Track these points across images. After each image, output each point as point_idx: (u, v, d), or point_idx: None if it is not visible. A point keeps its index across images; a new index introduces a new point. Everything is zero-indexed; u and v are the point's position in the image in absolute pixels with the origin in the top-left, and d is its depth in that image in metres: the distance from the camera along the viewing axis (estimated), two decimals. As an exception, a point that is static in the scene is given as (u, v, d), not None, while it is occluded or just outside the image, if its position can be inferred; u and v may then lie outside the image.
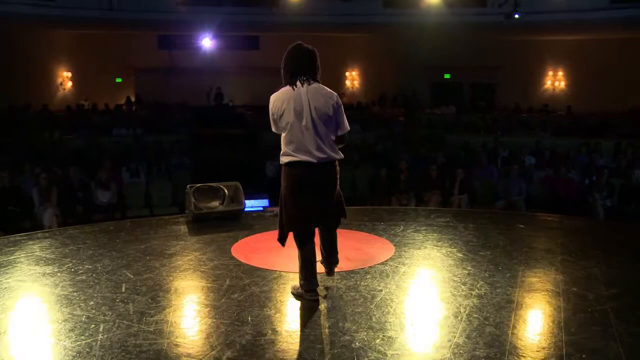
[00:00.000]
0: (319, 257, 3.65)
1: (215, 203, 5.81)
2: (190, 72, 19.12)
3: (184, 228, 5.50)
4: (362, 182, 10.28)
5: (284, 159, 3.41)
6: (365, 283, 3.83)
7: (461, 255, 4.50)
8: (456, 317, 3.23)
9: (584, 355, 2.75)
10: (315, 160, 3.32)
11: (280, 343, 2.94)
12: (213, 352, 2.80)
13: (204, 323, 3.20)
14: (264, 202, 7.40)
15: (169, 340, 2.95)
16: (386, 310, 3.35)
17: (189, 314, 3.41)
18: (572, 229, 5.79)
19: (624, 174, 9.63)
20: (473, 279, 3.89)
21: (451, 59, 17.58)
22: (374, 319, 3.21)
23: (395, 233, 5.24)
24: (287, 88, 3.40)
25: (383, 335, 2.99)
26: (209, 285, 3.84)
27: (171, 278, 4.01)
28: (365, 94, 20.29)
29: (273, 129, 3.52)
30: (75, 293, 3.64)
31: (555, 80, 19.25)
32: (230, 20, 15.39)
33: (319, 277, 3.58)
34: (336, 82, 18.99)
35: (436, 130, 14.78)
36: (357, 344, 2.88)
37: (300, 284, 3.55)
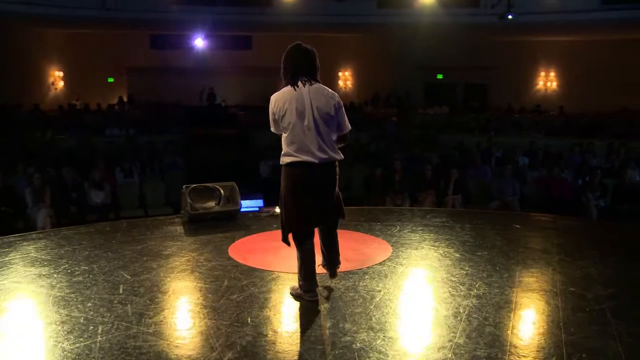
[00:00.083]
0: (319, 260, 3.64)
1: (211, 203, 5.78)
2: (182, 72, 19.02)
3: (180, 229, 5.47)
4: (357, 182, 10.28)
5: (285, 159, 3.39)
6: (364, 283, 3.83)
7: (458, 256, 4.51)
8: (456, 317, 3.24)
9: (584, 355, 2.76)
10: (317, 161, 3.31)
11: (281, 344, 2.93)
12: (214, 354, 2.79)
13: (203, 324, 3.18)
14: (259, 203, 7.37)
15: (168, 342, 2.93)
16: (386, 311, 3.35)
17: (188, 315, 3.39)
18: (566, 229, 5.82)
19: (617, 174, 9.67)
20: (471, 279, 3.90)
21: (444, 59, 17.67)
22: (374, 320, 3.20)
23: (392, 233, 5.24)
24: (289, 88, 3.39)
25: (384, 336, 2.99)
26: (207, 286, 3.82)
27: (169, 279, 3.99)
28: (358, 94, 20.30)
29: (272, 129, 3.51)
30: (72, 294, 3.60)
31: (547, 81, 19.40)
32: (224, 20, 15.33)
33: (318, 277, 3.57)
34: (329, 82, 18.93)
35: (429, 131, 14.83)
36: (358, 344, 2.88)
37: (299, 285, 3.54)
